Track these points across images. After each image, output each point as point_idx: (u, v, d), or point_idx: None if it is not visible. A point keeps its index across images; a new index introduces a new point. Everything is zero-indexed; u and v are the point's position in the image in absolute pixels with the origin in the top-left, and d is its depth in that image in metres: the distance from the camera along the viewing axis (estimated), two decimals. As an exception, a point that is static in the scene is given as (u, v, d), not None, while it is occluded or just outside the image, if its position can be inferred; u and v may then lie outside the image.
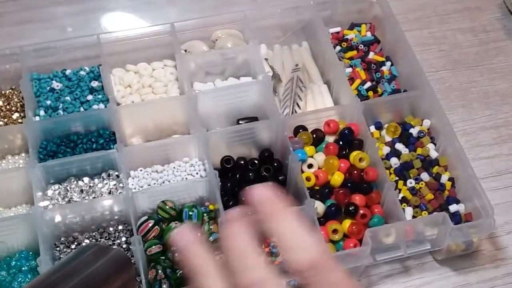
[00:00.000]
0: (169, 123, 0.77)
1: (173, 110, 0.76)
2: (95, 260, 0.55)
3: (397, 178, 0.72)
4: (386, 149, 0.74)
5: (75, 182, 0.71)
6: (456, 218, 0.69)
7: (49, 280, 0.52)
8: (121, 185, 0.71)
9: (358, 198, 0.70)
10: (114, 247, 0.65)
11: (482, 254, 0.71)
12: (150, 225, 0.67)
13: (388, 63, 0.83)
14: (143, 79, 0.81)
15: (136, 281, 0.61)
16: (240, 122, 0.78)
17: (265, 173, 0.72)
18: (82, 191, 0.71)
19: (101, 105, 0.78)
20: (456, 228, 0.65)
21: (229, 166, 0.73)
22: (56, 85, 0.79)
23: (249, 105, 0.78)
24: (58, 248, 0.68)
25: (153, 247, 0.65)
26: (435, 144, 0.74)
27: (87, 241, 0.68)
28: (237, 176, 0.73)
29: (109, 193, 0.71)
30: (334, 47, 0.84)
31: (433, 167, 0.73)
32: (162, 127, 0.77)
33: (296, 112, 0.78)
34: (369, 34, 0.85)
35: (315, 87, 0.81)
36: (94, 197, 0.70)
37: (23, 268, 0.67)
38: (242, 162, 0.73)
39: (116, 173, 0.72)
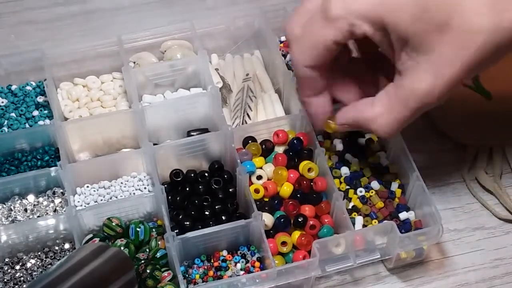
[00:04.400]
0: (118, 137, 0.76)
1: (121, 124, 0.75)
2: (96, 259, 0.55)
3: (348, 187, 0.72)
4: (336, 158, 0.73)
5: (19, 201, 0.70)
6: (406, 226, 0.69)
7: (50, 279, 0.52)
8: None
9: (307, 209, 0.69)
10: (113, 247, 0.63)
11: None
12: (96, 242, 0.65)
13: (339, 70, 0.82)
14: (92, 93, 0.80)
15: (136, 280, 0.60)
16: (191, 134, 0.77)
17: (215, 186, 0.71)
18: (26, 210, 0.69)
19: (47, 121, 0.76)
20: (405, 237, 0.65)
21: (178, 179, 0.72)
22: (1, 101, 0.77)
23: (199, 117, 0.77)
24: (2, 270, 0.66)
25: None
26: (385, 151, 0.74)
27: (32, 261, 0.67)
28: (187, 189, 0.72)
29: (55, 211, 0.70)
30: (286, 55, 0.83)
31: (384, 175, 0.72)
32: (111, 142, 0.76)
33: (246, 122, 0.77)
34: (320, 41, 0.85)
35: (266, 96, 0.80)
36: (38, 216, 0.69)
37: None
38: (192, 175, 0.73)
39: (61, 190, 0.71)
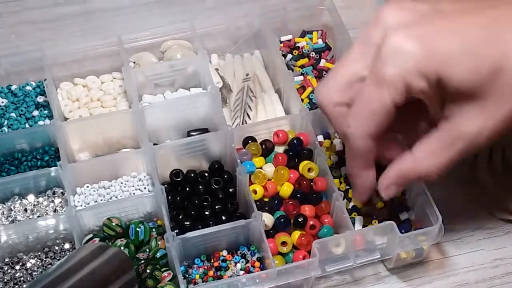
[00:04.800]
0: (118, 137, 0.76)
1: (121, 124, 0.75)
2: (96, 259, 0.55)
3: (348, 187, 0.72)
4: (335, 158, 0.73)
5: (19, 201, 0.70)
6: (406, 226, 0.69)
7: (50, 279, 0.52)
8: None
9: (307, 209, 0.69)
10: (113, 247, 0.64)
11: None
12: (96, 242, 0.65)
13: (340, 70, 0.82)
14: (92, 93, 0.80)
15: (136, 280, 0.60)
16: (191, 134, 0.77)
17: (215, 186, 0.71)
18: (26, 210, 0.69)
19: (47, 121, 0.76)
20: (405, 237, 0.65)
21: (178, 179, 0.72)
22: (1, 101, 0.77)
23: (199, 117, 0.77)
24: (2, 270, 0.66)
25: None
26: (385, 151, 0.74)
27: (32, 261, 0.67)
28: (187, 189, 0.72)
29: (55, 211, 0.70)
30: (286, 55, 0.83)
31: (384, 175, 0.72)
32: (111, 142, 0.76)
33: (246, 122, 0.77)
34: (320, 41, 0.85)
35: (265, 97, 0.80)
36: (38, 216, 0.69)
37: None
38: (192, 175, 0.73)
39: (61, 190, 0.71)
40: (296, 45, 0.85)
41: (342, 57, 0.63)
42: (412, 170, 0.60)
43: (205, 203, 0.70)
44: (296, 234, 0.67)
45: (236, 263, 0.67)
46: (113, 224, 0.67)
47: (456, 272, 0.71)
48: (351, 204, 0.71)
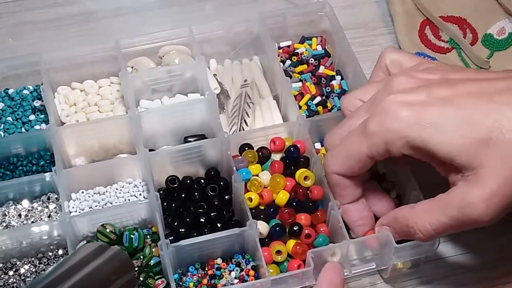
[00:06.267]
0: (115, 143, 0.76)
1: (118, 129, 0.75)
2: (96, 259, 0.55)
3: (344, 195, 0.71)
4: (332, 166, 0.73)
5: (13, 206, 0.70)
6: (403, 236, 0.68)
7: (50, 279, 0.51)
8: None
9: (303, 218, 0.68)
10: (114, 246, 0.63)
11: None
12: (89, 249, 0.65)
13: (338, 77, 0.82)
14: (89, 97, 0.80)
15: (137, 281, 0.60)
16: (188, 140, 0.76)
17: (211, 193, 0.71)
18: (20, 215, 0.69)
19: (44, 125, 0.76)
20: (401, 247, 0.64)
21: (174, 186, 0.72)
22: (-3, 105, 0.77)
23: (196, 123, 0.77)
24: (-5, 275, 0.66)
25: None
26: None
27: (26, 266, 0.66)
28: (183, 195, 0.71)
29: (49, 217, 0.69)
30: (285, 61, 0.83)
31: (381, 182, 0.72)
32: (107, 147, 0.76)
33: (243, 129, 0.77)
34: (320, 47, 0.84)
35: (263, 103, 0.80)
36: (33, 222, 0.69)
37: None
38: (188, 181, 0.72)
39: (56, 196, 0.70)
40: (295, 51, 0.84)
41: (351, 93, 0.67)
42: (406, 217, 0.61)
43: (200, 210, 0.70)
44: (291, 243, 0.67)
45: (230, 271, 0.67)
46: (107, 230, 0.66)
47: (456, 272, 0.70)
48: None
